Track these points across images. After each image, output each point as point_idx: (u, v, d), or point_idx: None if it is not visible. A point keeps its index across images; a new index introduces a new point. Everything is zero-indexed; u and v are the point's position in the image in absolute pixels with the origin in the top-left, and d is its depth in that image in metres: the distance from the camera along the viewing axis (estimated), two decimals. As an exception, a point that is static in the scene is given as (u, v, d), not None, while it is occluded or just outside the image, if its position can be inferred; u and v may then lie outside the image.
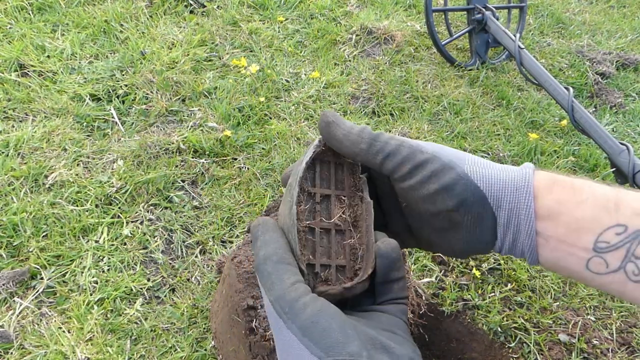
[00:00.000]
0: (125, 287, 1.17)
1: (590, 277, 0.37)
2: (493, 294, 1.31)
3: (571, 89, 1.76)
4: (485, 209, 0.38)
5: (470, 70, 2.15)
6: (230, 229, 1.35)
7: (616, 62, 2.40)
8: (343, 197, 0.43)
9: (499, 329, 1.24)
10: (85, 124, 1.53)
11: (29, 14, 1.87)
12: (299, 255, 0.37)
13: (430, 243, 0.44)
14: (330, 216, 0.41)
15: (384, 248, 0.40)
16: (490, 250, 0.41)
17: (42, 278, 1.15)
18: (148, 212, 1.34)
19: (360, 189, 0.43)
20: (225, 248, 1.30)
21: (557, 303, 1.32)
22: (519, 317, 1.27)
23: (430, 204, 0.39)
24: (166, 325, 1.13)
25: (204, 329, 1.13)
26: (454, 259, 1.38)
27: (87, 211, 1.30)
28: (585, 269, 0.36)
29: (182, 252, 1.28)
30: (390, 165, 0.39)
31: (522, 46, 1.91)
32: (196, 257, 1.27)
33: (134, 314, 1.13)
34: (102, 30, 1.87)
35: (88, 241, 1.24)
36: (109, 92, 1.64)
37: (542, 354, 1.22)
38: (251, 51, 1.98)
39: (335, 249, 0.41)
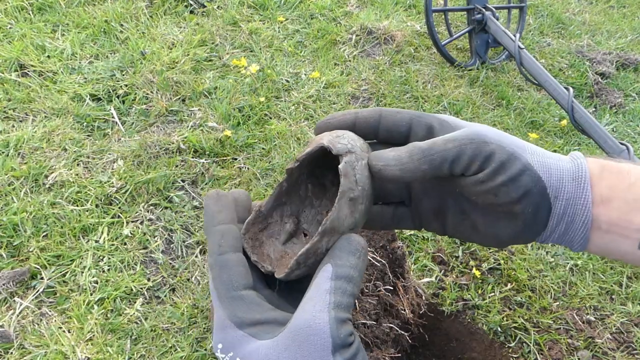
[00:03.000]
0: (126, 287, 1.17)
1: None
2: (493, 293, 1.31)
3: (571, 89, 1.76)
4: (544, 199, 0.37)
5: (470, 70, 2.15)
6: (231, 229, 1.35)
7: (616, 62, 2.40)
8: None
9: (499, 329, 1.24)
10: (85, 124, 1.53)
11: (29, 14, 1.88)
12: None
13: (469, 232, 0.43)
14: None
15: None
16: (533, 240, 0.41)
17: (42, 278, 1.15)
18: (148, 212, 1.34)
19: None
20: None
21: (557, 303, 1.32)
22: (519, 317, 1.27)
23: (493, 195, 0.37)
24: (166, 325, 1.13)
25: (204, 328, 1.13)
26: (455, 259, 1.38)
27: (87, 211, 1.30)
28: (638, 248, 0.37)
29: (182, 252, 1.29)
30: (458, 170, 0.37)
31: (522, 46, 1.91)
32: (196, 257, 1.28)
33: (134, 314, 1.13)
34: (102, 30, 1.87)
35: (88, 241, 1.24)
36: (109, 92, 1.64)
37: (542, 354, 1.22)
38: (251, 51, 1.98)
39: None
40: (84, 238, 1.25)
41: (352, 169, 0.36)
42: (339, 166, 0.36)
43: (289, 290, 0.39)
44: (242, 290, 0.35)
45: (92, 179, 1.38)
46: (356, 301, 0.89)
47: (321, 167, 0.42)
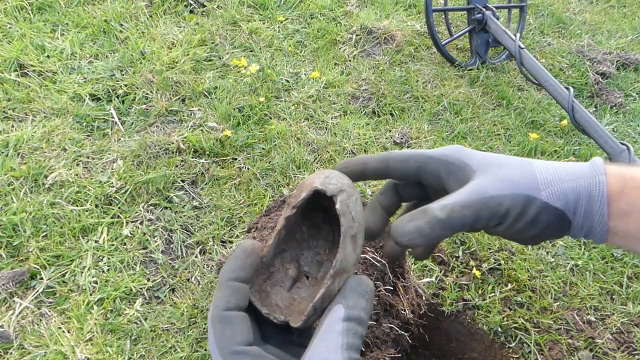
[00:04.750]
0: (125, 287, 1.17)
1: None
2: (493, 294, 1.31)
3: (571, 89, 1.76)
4: (563, 221, 0.40)
5: (470, 70, 2.15)
6: (230, 229, 1.35)
7: (616, 61, 2.40)
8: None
9: (499, 329, 1.24)
10: (85, 124, 1.53)
11: (29, 13, 1.87)
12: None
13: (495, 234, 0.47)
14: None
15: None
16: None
17: (41, 278, 1.15)
18: (148, 212, 1.34)
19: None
20: (225, 248, 1.30)
21: (558, 303, 1.32)
22: (519, 317, 1.27)
23: (516, 235, 0.41)
24: (166, 326, 1.12)
25: (204, 329, 1.13)
26: (455, 259, 1.38)
27: (87, 211, 1.30)
28: None
29: (182, 252, 1.28)
30: (478, 227, 0.40)
31: (523, 46, 1.90)
32: (196, 257, 1.27)
33: (133, 314, 1.13)
34: (102, 30, 1.87)
35: (88, 241, 1.24)
36: (109, 92, 1.64)
37: (542, 354, 1.21)
38: (251, 51, 1.98)
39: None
40: (83, 238, 1.25)
41: (347, 207, 0.38)
42: (336, 207, 0.38)
43: (287, 345, 0.39)
44: (246, 346, 0.35)
45: (91, 179, 1.38)
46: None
47: (311, 209, 0.43)
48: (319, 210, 0.43)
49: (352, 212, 0.38)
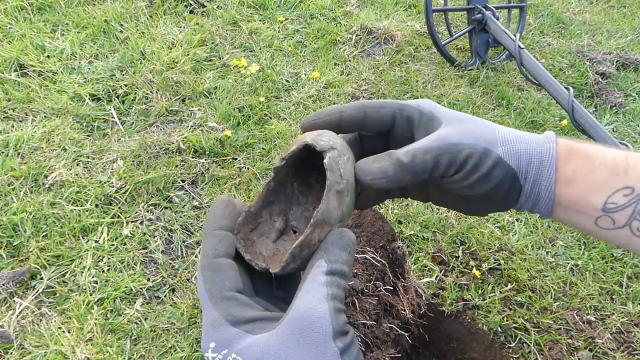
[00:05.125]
0: (125, 287, 1.17)
1: (598, 231, 0.42)
2: (493, 294, 1.31)
3: (571, 89, 1.76)
4: (515, 183, 0.42)
5: (470, 70, 2.15)
6: (230, 229, 1.35)
7: (616, 62, 2.40)
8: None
9: (499, 329, 1.24)
10: (85, 124, 1.53)
11: (29, 14, 1.87)
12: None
13: (450, 205, 0.48)
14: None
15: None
16: (508, 210, 0.46)
17: (42, 278, 1.15)
18: (148, 212, 1.34)
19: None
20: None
21: (558, 303, 1.32)
22: (519, 317, 1.27)
23: (469, 188, 0.42)
24: (166, 325, 1.12)
25: (204, 329, 1.13)
26: (455, 259, 1.38)
27: (87, 211, 1.30)
28: (594, 225, 0.41)
29: (182, 252, 1.28)
30: (436, 175, 0.41)
31: (522, 46, 1.90)
32: (196, 257, 1.27)
33: (134, 314, 1.13)
34: (102, 30, 1.87)
35: (88, 241, 1.24)
36: (109, 92, 1.64)
37: (542, 354, 1.21)
38: (251, 51, 1.98)
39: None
40: (83, 238, 1.25)
41: (336, 163, 0.38)
42: (324, 161, 0.38)
43: (275, 300, 0.40)
44: (235, 292, 0.36)
45: (91, 179, 1.38)
46: (356, 300, 0.89)
47: (305, 167, 0.43)
48: (312, 170, 0.44)
49: (340, 169, 0.39)
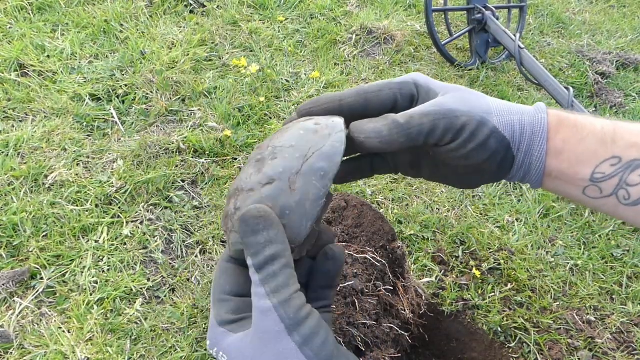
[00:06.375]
0: (125, 287, 1.17)
1: (586, 200, 0.43)
2: (493, 294, 1.31)
3: (571, 89, 1.76)
4: (508, 154, 0.42)
5: (470, 70, 2.15)
6: (230, 229, 1.35)
7: (616, 62, 2.40)
8: None
9: (499, 329, 1.24)
10: (85, 124, 1.53)
11: (29, 13, 1.87)
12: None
13: (443, 179, 0.48)
14: None
15: (337, 251, 0.41)
16: (499, 181, 0.46)
17: (42, 278, 1.15)
18: (148, 212, 1.34)
19: None
20: (225, 248, 1.30)
21: (557, 303, 1.32)
22: (519, 317, 1.27)
23: (464, 159, 0.42)
24: (166, 325, 1.13)
25: (204, 329, 1.13)
26: (455, 259, 1.38)
27: (87, 211, 1.30)
28: (582, 194, 0.42)
29: (182, 252, 1.28)
30: (432, 141, 0.41)
31: (522, 46, 1.90)
32: (196, 257, 1.27)
33: (134, 314, 1.13)
34: (102, 30, 1.87)
35: (88, 241, 1.24)
36: (109, 92, 1.64)
37: (542, 354, 1.22)
38: (251, 51, 1.98)
39: None
40: (83, 238, 1.25)
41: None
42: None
43: None
44: (233, 296, 0.38)
45: (92, 179, 1.38)
46: (356, 300, 0.89)
47: None
48: None
49: (270, 146, 0.40)
